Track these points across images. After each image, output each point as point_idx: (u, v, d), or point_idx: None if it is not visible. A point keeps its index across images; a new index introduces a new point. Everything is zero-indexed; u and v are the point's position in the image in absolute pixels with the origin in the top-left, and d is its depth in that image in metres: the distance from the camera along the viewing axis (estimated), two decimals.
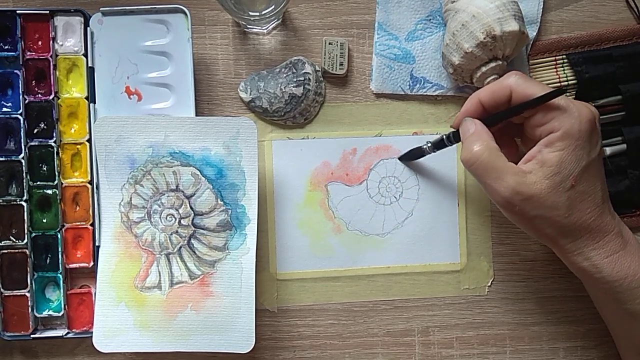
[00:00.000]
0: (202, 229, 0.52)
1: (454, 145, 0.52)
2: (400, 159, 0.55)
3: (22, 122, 0.51)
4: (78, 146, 0.52)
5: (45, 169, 0.52)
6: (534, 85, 0.46)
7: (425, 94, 0.56)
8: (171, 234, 0.52)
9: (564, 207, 0.44)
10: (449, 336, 0.57)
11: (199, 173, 0.51)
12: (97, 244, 0.52)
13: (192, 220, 0.52)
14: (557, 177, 0.44)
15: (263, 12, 0.50)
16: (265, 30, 0.54)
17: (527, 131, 0.48)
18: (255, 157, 0.51)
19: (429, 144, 0.52)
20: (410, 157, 0.55)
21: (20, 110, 0.51)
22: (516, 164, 0.46)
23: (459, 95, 0.56)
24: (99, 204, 0.52)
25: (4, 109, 0.52)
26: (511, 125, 0.49)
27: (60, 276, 0.52)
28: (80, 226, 0.52)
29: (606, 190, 0.47)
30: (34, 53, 0.52)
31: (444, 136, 0.50)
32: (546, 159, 0.44)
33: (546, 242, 0.48)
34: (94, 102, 0.53)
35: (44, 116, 0.52)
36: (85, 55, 0.52)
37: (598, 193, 0.45)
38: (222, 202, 0.52)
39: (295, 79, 0.54)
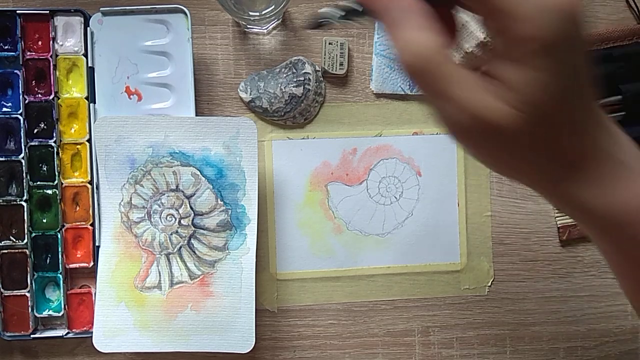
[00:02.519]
0: (202, 229, 0.52)
1: (455, 145, 0.52)
2: (308, 27, 0.41)
3: (22, 122, 0.51)
4: (78, 146, 0.52)
5: (45, 169, 0.52)
6: None
7: None
8: (171, 234, 0.51)
9: (538, 138, 0.31)
10: (449, 336, 0.57)
11: (199, 173, 0.51)
12: (97, 244, 0.52)
13: (192, 220, 0.52)
14: (533, 107, 0.29)
15: (263, 12, 0.50)
16: (265, 30, 0.54)
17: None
18: (255, 157, 0.51)
19: (338, 12, 0.35)
20: (315, 25, 0.39)
21: (20, 110, 0.51)
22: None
23: None
24: (99, 204, 0.52)
25: (4, 109, 0.52)
26: None
27: (60, 276, 0.52)
28: (80, 226, 0.52)
29: (590, 95, 0.32)
30: (34, 53, 0.52)
31: (355, 7, 0.33)
32: (509, 79, 0.29)
33: (519, 181, 0.35)
34: (94, 102, 0.53)
35: (44, 116, 0.52)
36: (85, 55, 0.52)
37: (589, 114, 0.32)
38: (222, 202, 0.52)
39: (295, 79, 0.54)
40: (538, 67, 0.28)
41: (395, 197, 0.56)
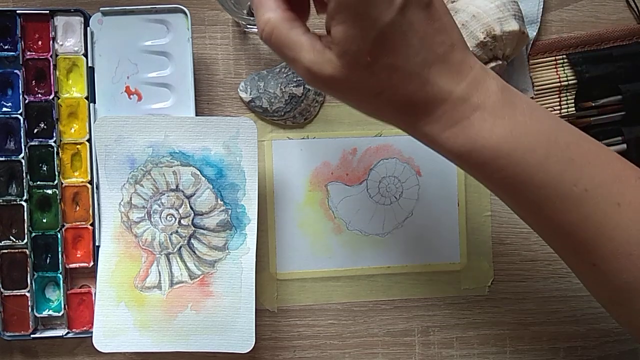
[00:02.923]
0: (202, 228, 0.52)
1: None
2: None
3: (22, 122, 0.51)
4: (78, 146, 0.52)
5: (45, 168, 0.52)
6: None
7: None
8: (171, 234, 0.51)
9: (370, 86, 0.35)
10: (449, 336, 0.57)
11: (199, 173, 0.51)
12: (97, 244, 0.52)
13: (192, 220, 0.52)
14: (348, 56, 0.34)
15: None
16: None
17: None
18: (255, 157, 0.51)
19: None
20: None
21: (20, 110, 0.51)
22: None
23: None
24: (99, 204, 0.52)
25: (4, 109, 0.52)
26: None
27: (60, 276, 0.52)
28: (80, 226, 0.52)
29: (432, 50, 0.35)
30: (34, 53, 0.52)
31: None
32: (333, 34, 0.34)
33: (385, 121, 0.39)
34: (94, 102, 0.52)
35: (44, 116, 0.52)
36: (85, 55, 0.52)
37: (412, 59, 0.34)
38: (222, 202, 0.52)
39: (295, 79, 0.54)
40: (341, 22, 0.33)
41: (395, 197, 0.56)
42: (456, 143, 0.36)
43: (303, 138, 0.55)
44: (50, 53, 0.52)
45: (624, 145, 0.55)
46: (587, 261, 0.39)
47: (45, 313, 0.52)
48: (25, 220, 0.51)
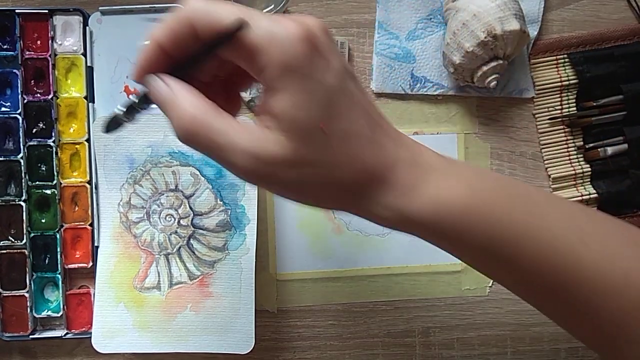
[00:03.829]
0: (202, 229, 0.51)
1: (452, 146, 0.51)
2: (106, 131, 0.40)
3: (20, 121, 0.51)
4: (77, 146, 0.52)
5: (44, 168, 0.52)
6: (217, 10, 0.31)
7: (425, 93, 0.55)
8: (170, 234, 0.51)
9: (326, 160, 0.32)
10: (449, 337, 0.56)
11: (198, 173, 0.51)
12: (96, 244, 0.52)
13: (192, 220, 0.51)
14: (297, 128, 0.31)
15: (263, 12, 0.50)
16: None
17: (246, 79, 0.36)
18: None
19: (121, 111, 0.37)
20: (112, 128, 0.40)
21: (19, 110, 0.51)
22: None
23: (460, 94, 0.55)
24: (97, 204, 0.52)
25: (3, 109, 0.52)
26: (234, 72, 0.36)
27: (59, 276, 0.52)
28: (79, 226, 0.52)
29: (375, 113, 0.34)
30: (32, 52, 0.52)
31: (134, 100, 0.36)
32: (273, 108, 0.31)
33: (332, 208, 0.37)
34: (93, 102, 0.52)
35: (42, 116, 0.52)
36: (84, 54, 0.52)
37: (360, 123, 0.33)
38: (221, 202, 0.51)
39: None
40: (285, 89, 0.30)
41: None
42: (420, 207, 0.34)
43: None
44: (49, 52, 0.51)
45: (626, 145, 0.55)
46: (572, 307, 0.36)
47: (44, 314, 0.52)
48: (24, 221, 0.51)
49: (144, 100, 0.36)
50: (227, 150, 0.31)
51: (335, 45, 0.33)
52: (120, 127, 0.39)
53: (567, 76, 0.56)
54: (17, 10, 0.51)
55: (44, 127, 0.52)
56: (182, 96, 0.32)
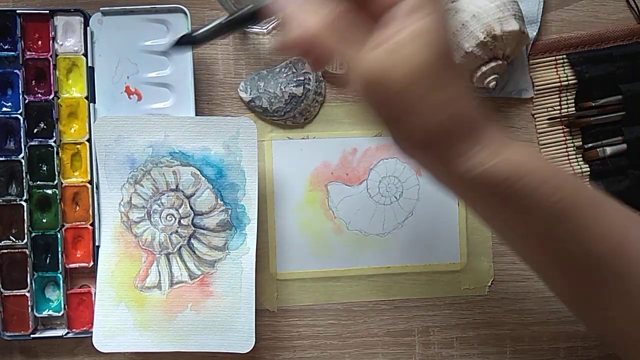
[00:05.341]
0: (202, 228, 0.52)
1: None
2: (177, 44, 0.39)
3: (22, 121, 0.51)
4: (78, 146, 0.52)
5: (45, 168, 0.52)
6: None
7: None
8: (171, 234, 0.51)
9: (445, 85, 0.33)
10: (449, 336, 0.57)
11: (198, 173, 0.51)
12: (97, 244, 0.52)
13: (192, 220, 0.51)
14: (437, 44, 0.33)
15: None
16: (265, 30, 0.54)
17: None
18: (255, 157, 0.51)
19: (222, 22, 0.36)
20: (183, 43, 0.38)
21: (20, 110, 0.51)
22: None
23: None
24: (98, 204, 0.52)
25: (4, 109, 0.52)
26: None
27: (60, 276, 0.52)
28: (80, 226, 0.52)
29: (468, 87, 0.36)
30: (33, 53, 0.52)
31: (228, 17, 0.35)
32: (417, 27, 0.32)
33: (414, 149, 0.36)
34: (94, 102, 0.52)
35: (43, 116, 0.52)
36: (85, 55, 0.52)
37: (467, 77, 0.36)
38: (222, 202, 0.52)
39: (295, 79, 0.54)
40: (427, 14, 0.32)
41: (395, 197, 0.56)
42: (502, 165, 0.35)
43: (303, 138, 0.55)
44: (50, 53, 0.51)
45: (624, 145, 0.55)
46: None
47: (45, 313, 0.52)
48: (25, 220, 0.51)
49: (241, 20, 0.35)
50: (354, 57, 0.33)
51: None
52: (188, 46, 0.38)
53: (566, 76, 0.56)
54: (18, 11, 0.51)
55: (45, 127, 0.52)
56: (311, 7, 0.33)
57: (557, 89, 0.56)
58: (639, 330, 0.38)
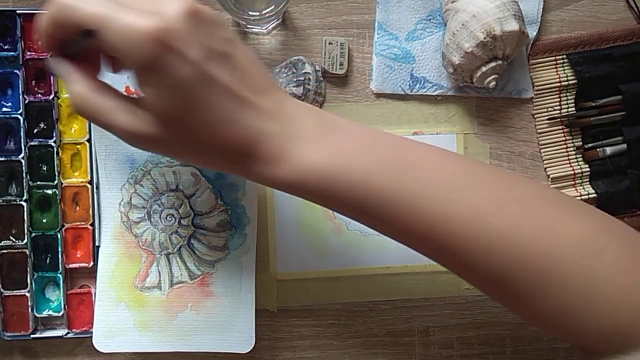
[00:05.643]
0: (202, 229, 0.52)
1: (452, 147, 0.52)
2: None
3: (22, 122, 0.51)
4: (78, 146, 0.52)
5: (45, 168, 0.52)
6: (80, 9, 0.34)
7: (425, 93, 0.56)
8: (171, 234, 0.51)
9: (190, 139, 0.36)
10: (449, 336, 0.57)
11: (198, 173, 0.51)
12: (97, 244, 0.52)
13: (192, 220, 0.52)
14: (162, 115, 0.36)
15: (263, 12, 0.50)
16: (265, 30, 0.54)
17: None
18: None
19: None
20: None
21: (20, 110, 0.51)
22: None
23: (459, 95, 0.56)
24: (98, 204, 0.52)
25: (4, 109, 0.52)
26: None
27: (60, 276, 0.52)
28: (80, 226, 0.52)
29: (239, 98, 0.36)
30: (34, 53, 0.52)
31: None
32: (145, 95, 0.36)
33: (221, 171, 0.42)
34: None
35: (43, 116, 0.52)
36: None
37: (222, 109, 0.36)
38: (222, 202, 0.52)
39: (295, 79, 0.54)
40: (146, 84, 0.35)
41: None
42: (283, 175, 0.38)
43: None
44: (50, 53, 0.51)
45: (624, 145, 0.55)
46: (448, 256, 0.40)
47: (45, 313, 0.52)
48: (25, 220, 0.51)
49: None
50: (110, 127, 0.37)
51: (203, 24, 0.35)
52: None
53: (566, 76, 0.56)
54: (18, 11, 0.51)
55: (45, 127, 0.52)
56: (74, 78, 0.37)
57: (557, 89, 0.56)
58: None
